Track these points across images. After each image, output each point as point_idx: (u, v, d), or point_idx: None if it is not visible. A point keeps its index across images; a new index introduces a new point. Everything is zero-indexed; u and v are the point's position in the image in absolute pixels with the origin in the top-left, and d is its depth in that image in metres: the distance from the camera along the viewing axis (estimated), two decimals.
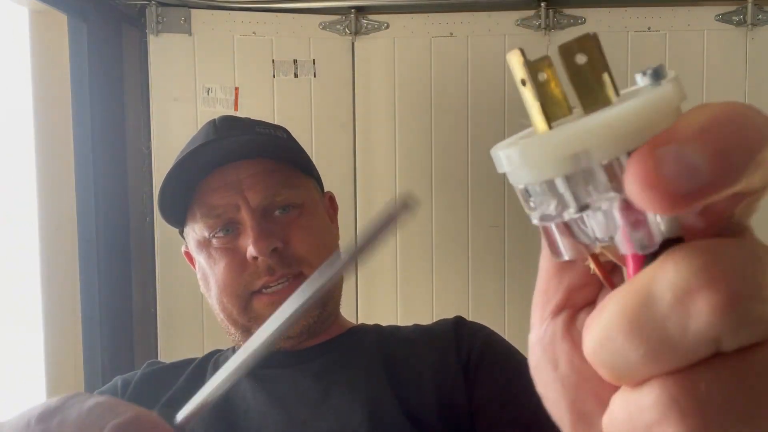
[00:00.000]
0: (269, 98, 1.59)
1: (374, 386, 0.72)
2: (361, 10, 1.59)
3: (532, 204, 0.20)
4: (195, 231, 0.75)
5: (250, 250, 0.71)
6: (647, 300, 0.17)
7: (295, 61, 1.59)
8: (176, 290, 1.51)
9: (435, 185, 1.59)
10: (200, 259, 0.76)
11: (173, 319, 1.56)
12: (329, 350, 0.77)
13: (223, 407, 0.70)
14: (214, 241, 0.74)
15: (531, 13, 1.56)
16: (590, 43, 0.19)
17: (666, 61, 1.55)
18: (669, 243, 0.18)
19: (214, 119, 0.80)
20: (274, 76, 1.59)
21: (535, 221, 0.20)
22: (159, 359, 1.56)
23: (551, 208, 0.19)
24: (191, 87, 1.57)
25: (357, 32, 1.58)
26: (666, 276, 0.17)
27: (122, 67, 1.55)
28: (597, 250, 0.20)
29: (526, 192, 0.19)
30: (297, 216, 0.75)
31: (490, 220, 1.54)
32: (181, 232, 0.79)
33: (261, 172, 0.73)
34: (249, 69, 1.58)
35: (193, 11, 1.56)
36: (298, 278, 0.73)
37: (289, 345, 0.76)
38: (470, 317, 0.84)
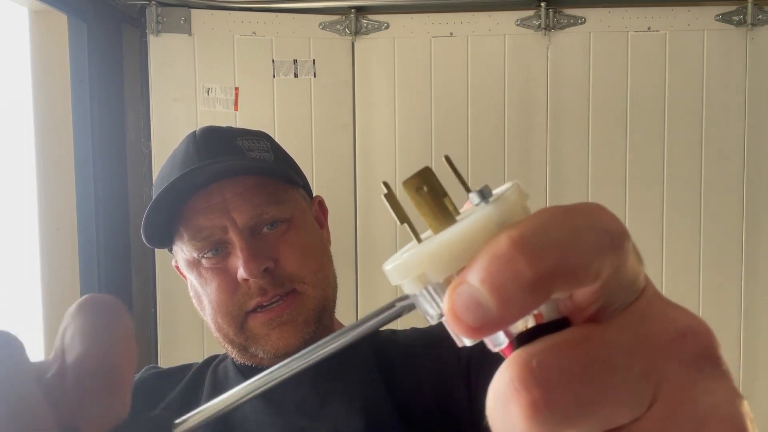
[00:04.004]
0: (269, 98, 1.59)
1: (372, 393, 0.71)
2: (361, 10, 1.59)
3: (423, 306, 0.22)
4: (183, 251, 0.74)
5: (241, 272, 0.70)
6: (492, 399, 0.20)
7: (295, 61, 1.59)
8: (176, 292, 1.51)
9: None
10: (191, 277, 0.75)
11: (173, 320, 1.56)
12: (326, 358, 0.76)
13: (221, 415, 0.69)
14: (203, 261, 0.73)
15: (531, 13, 1.56)
16: (428, 175, 0.22)
17: (666, 61, 1.55)
18: (552, 325, 0.20)
19: (195, 132, 0.78)
20: (274, 76, 1.59)
21: (431, 320, 0.22)
22: (159, 360, 1.57)
23: (431, 310, 0.21)
24: (191, 87, 1.57)
25: (357, 32, 1.58)
26: (494, 383, 0.20)
27: (122, 67, 1.55)
28: (495, 350, 0.22)
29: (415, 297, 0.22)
30: (285, 230, 0.74)
31: None
32: (170, 249, 0.79)
33: (246, 190, 0.72)
34: (249, 69, 1.58)
35: (193, 11, 1.56)
36: (292, 295, 0.72)
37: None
38: None
